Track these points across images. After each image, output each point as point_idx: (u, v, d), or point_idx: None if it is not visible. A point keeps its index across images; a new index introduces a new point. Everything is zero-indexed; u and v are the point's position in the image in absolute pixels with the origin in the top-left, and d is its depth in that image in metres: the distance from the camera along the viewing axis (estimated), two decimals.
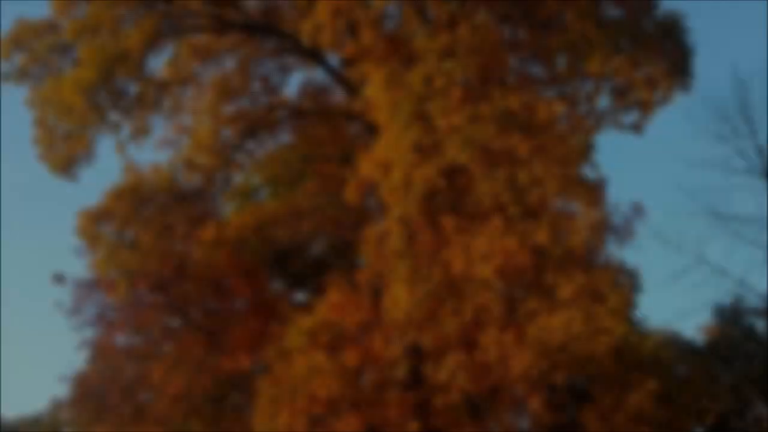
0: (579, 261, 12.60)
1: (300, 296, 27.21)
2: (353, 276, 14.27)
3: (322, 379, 12.21)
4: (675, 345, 21.30)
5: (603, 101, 14.30)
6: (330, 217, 23.96)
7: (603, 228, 12.97)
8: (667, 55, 12.79)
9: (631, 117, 14.09)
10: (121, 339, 25.45)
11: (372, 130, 15.88)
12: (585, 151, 14.04)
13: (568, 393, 25.45)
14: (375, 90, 12.76)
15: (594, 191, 12.18)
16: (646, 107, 13.54)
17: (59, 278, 23.28)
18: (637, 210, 16.85)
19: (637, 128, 13.79)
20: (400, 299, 11.27)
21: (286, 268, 27.60)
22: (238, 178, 24.22)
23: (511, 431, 14.02)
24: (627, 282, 23.57)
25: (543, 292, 12.23)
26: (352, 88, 16.18)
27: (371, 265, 13.03)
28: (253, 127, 20.51)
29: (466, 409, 14.66)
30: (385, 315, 12.27)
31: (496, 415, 13.93)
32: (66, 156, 17.11)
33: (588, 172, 14.14)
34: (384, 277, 12.52)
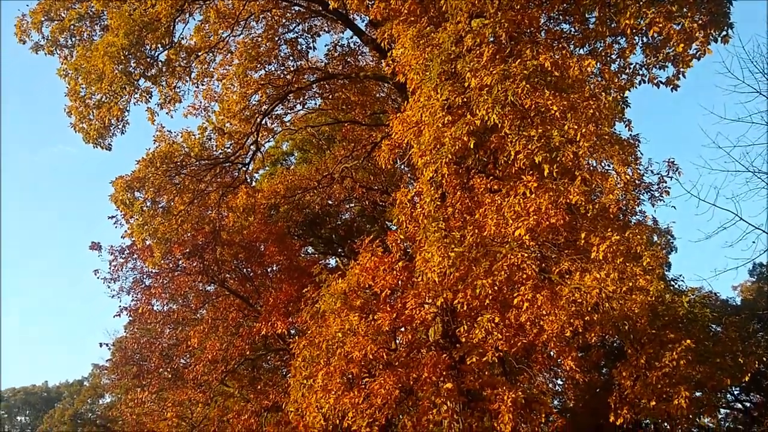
0: (613, 220, 12.48)
1: (332, 261, 27.50)
2: (385, 239, 14.33)
3: (357, 341, 12.33)
4: (710, 303, 21.18)
5: (636, 57, 14.01)
6: (361, 181, 24.10)
7: (637, 186, 12.84)
8: (704, 7, 12.42)
9: (665, 72, 13.77)
10: (158, 305, 26.04)
11: (402, 91, 15.79)
12: (618, 109, 13.85)
13: (601, 352, 25.53)
14: (404, 51, 12.62)
15: (628, 149, 11.99)
16: (681, 62, 13.19)
17: (97, 246, 23.81)
18: (672, 167, 16.70)
19: (672, 84, 13.44)
20: (432, 261, 11.26)
21: (318, 234, 27.87)
22: (268, 144, 24.34)
23: (545, 391, 14.01)
24: (661, 240, 23.45)
25: (577, 251, 12.18)
26: (381, 50, 16.02)
27: (403, 228, 13.04)
28: (282, 92, 20.51)
29: (500, 369, 14.79)
30: (417, 277, 12.32)
31: (529, 374, 13.99)
32: (99, 125, 17.28)
33: (621, 129, 14.00)
34: (416, 239, 12.54)
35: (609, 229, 11.54)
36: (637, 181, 12.34)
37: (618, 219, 13.11)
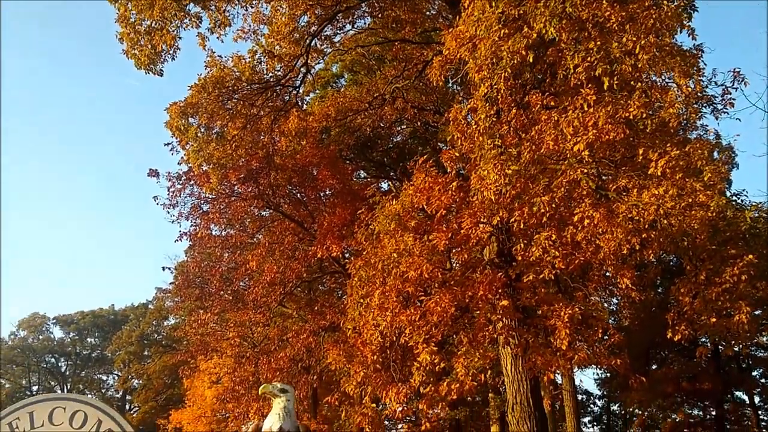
0: (672, 134, 12.14)
1: (384, 185, 27.53)
2: (439, 159, 14.24)
3: (412, 261, 12.42)
4: None
5: None
6: (412, 102, 23.85)
7: (699, 99, 12.39)
8: None
9: None
10: (216, 230, 26.64)
11: (453, 7, 15.40)
12: (679, 19, 13.26)
13: (659, 269, 25.30)
14: None
15: (690, 60, 11.53)
16: None
17: (155, 173, 24.27)
18: (737, 78, 16.00)
19: None
20: (488, 179, 11.16)
21: (370, 157, 27.85)
22: (318, 66, 24.14)
23: (601, 310, 13.97)
24: (723, 156, 22.80)
25: (634, 167, 11.92)
26: None
27: (457, 146, 12.91)
28: (331, 11, 20.19)
29: (555, 288, 14.78)
30: (472, 196, 12.25)
31: (585, 293, 13.92)
32: (150, 51, 17.35)
33: (684, 39, 13.45)
34: (470, 157, 12.43)
35: (668, 144, 11.24)
36: (699, 94, 11.86)
37: (678, 133, 12.73)
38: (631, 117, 10.94)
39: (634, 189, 11.32)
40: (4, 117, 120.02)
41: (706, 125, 15.96)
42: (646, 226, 11.19)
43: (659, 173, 10.93)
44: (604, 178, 12.18)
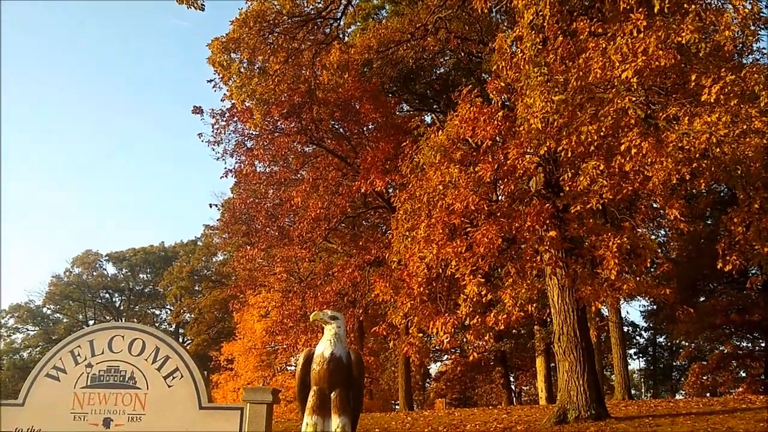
0: (727, 59, 11.72)
1: (428, 117, 27.28)
2: (485, 89, 14.01)
3: (458, 192, 12.36)
4: None
5: None
6: (455, 32, 23.35)
7: (756, 21, 11.90)
8: None
9: None
10: (261, 166, 26.87)
11: None
12: None
13: (709, 200, 24.85)
14: None
15: None
16: None
17: (198, 110, 24.44)
18: None
19: None
20: (534, 107, 10.96)
21: (413, 89, 27.54)
22: None
23: (649, 240, 13.77)
24: None
25: (686, 95, 11.57)
26: None
27: (503, 76, 12.67)
28: None
29: (602, 220, 14.63)
30: (519, 125, 12.07)
31: (632, 224, 13.72)
32: None
33: None
34: (516, 86, 12.20)
35: (722, 69, 10.84)
36: (756, 15, 11.38)
37: (733, 58, 12.30)
38: (683, 42, 10.56)
39: (685, 117, 10.96)
40: (61, 63, 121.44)
41: (763, 48, 15.42)
42: (697, 155, 10.88)
43: (712, 100, 10.57)
44: (653, 106, 11.86)
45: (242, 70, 18.07)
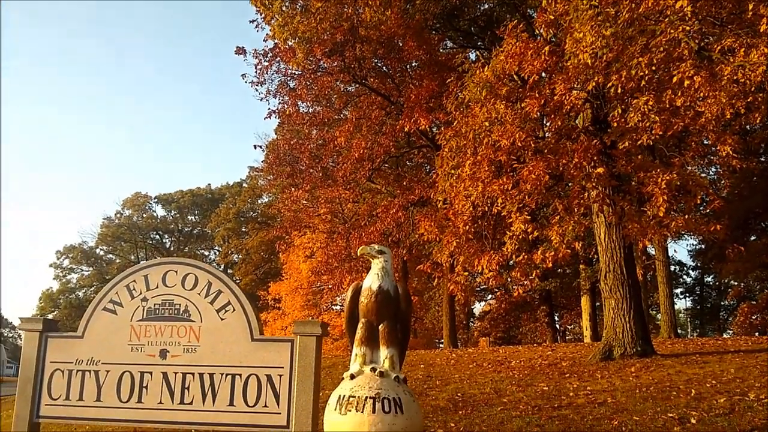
0: None
1: (472, 55, 26.78)
2: (532, 23, 13.68)
3: (504, 129, 12.21)
4: None
5: None
6: None
7: None
8: None
9: None
10: (304, 107, 26.82)
11: None
12: None
13: (764, 135, 24.13)
14: None
15: None
16: None
17: (242, 50, 24.37)
18: None
19: None
20: (584, 41, 10.67)
21: (456, 26, 27.00)
22: None
23: (698, 177, 13.48)
24: None
25: (743, 25, 11.11)
26: None
27: (550, 9, 12.32)
28: None
29: (651, 157, 14.33)
30: (566, 60, 11.78)
31: (682, 161, 13.41)
32: None
33: None
34: (565, 20, 11.87)
35: None
36: None
37: None
38: None
39: (741, 48, 10.50)
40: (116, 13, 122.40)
41: None
42: (753, 89, 10.51)
43: None
44: (707, 38, 11.44)
45: (284, 8, 17.97)
